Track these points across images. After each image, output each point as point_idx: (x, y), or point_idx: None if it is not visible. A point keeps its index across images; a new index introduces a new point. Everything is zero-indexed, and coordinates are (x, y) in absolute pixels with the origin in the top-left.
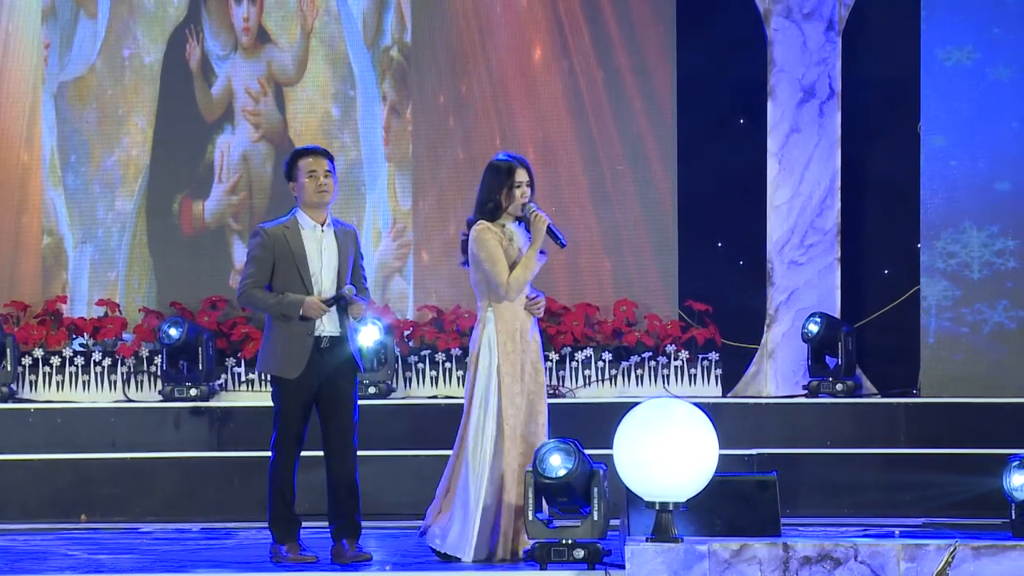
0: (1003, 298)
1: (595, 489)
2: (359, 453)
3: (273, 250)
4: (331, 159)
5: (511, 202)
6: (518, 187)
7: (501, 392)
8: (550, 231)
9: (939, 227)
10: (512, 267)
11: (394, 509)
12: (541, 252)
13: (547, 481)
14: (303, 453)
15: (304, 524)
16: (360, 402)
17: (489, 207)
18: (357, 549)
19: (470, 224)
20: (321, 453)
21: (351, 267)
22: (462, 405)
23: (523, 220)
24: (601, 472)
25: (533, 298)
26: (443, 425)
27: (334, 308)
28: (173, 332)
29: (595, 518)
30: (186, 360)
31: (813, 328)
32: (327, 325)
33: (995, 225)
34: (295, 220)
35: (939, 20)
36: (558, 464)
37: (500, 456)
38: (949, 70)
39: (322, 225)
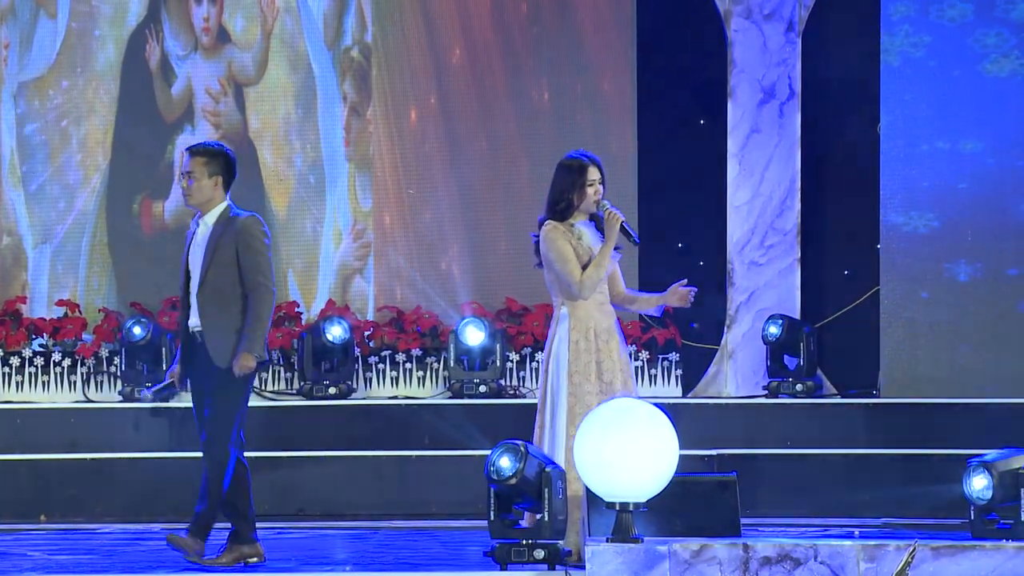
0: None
1: (546, 490)
2: (320, 454)
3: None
4: (201, 154)
5: (583, 200)
6: (590, 185)
7: (571, 391)
8: (623, 228)
9: (898, 227)
10: (585, 266)
11: (354, 510)
12: (615, 249)
13: (496, 483)
14: (258, 454)
15: (265, 524)
16: (321, 403)
17: (561, 207)
18: (198, 548)
19: (541, 224)
20: (267, 453)
21: (235, 261)
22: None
23: (595, 220)
24: (554, 473)
25: (686, 286)
26: (403, 425)
27: (196, 299)
28: (137, 331)
29: (546, 519)
30: (146, 361)
31: (774, 330)
32: (194, 319)
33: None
34: None
35: (899, 21)
36: (507, 466)
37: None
38: (908, 69)
39: (198, 220)
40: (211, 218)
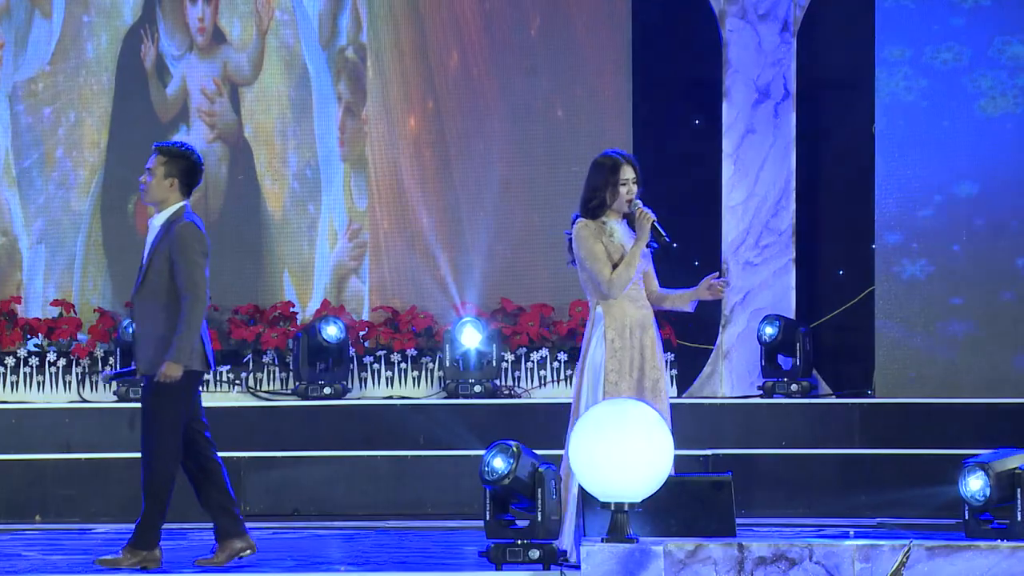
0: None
1: (539, 490)
2: (315, 454)
3: None
4: (162, 153)
5: (616, 199)
6: (623, 184)
7: (607, 390)
8: (654, 227)
9: (893, 225)
10: (616, 265)
11: (349, 510)
12: (647, 247)
13: (490, 483)
14: (253, 454)
15: (260, 524)
16: (316, 403)
17: (593, 204)
18: (134, 560)
19: (574, 221)
20: (262, 453)
21: (169, 265)
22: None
23: (628, 217)
24: (548, 472)
25: (718, 279)
26: (398, 425)
27: (135, 304)
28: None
29: (539, 519)
30: None
31: (769, 331)
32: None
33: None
34: None
35: (893, 20)
36: (500, 466)
37: None
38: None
39: (150, 221)
40: (159, 220)
